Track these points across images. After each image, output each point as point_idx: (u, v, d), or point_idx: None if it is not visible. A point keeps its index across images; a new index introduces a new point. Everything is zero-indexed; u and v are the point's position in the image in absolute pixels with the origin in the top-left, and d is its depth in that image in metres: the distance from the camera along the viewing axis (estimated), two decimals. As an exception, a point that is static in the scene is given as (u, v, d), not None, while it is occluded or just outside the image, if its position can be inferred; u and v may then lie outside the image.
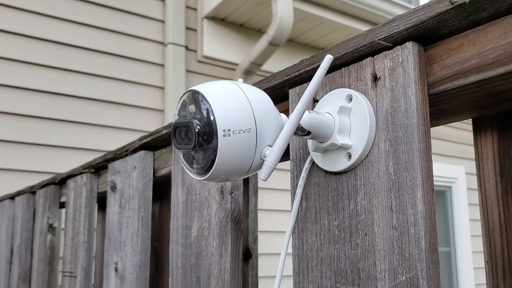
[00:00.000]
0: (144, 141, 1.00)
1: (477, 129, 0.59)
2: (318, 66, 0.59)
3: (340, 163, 0.55)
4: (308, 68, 0.62)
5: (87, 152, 2.56)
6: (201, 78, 3.21)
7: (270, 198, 3.09)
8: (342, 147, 0.54)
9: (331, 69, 0.60)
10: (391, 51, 0.53)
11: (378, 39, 0.53)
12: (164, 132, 0.94)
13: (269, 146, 0.47)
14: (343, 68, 0.58)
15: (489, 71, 0.46)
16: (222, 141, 0.44)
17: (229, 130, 0.44)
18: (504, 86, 0.48)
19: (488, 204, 0.57)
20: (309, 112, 0.54)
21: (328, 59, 0.48)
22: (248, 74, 3.37)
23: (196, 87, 0.47)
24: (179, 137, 0.47)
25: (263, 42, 3.28)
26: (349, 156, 0.54)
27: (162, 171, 1.00)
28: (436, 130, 4.36)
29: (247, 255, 0.96)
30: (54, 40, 2.63)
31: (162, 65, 3.08)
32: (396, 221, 0.49)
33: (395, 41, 0.52)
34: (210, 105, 0.44)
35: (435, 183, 4.44)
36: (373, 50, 0.55)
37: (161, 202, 1.21)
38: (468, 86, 0.48)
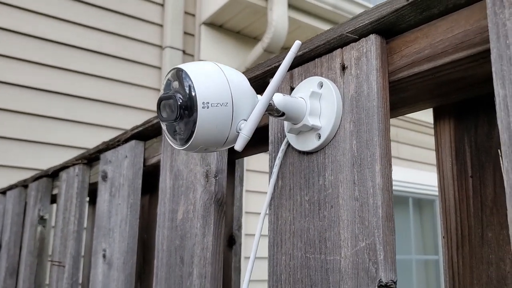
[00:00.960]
0: (136, 131, 1.06)
1: (437, 117, 0.65)
2: (295, 57, 0.66)
3: (311, 143, 0.61)
4: (286, 60, 0.68)
5: (82, 150, 2.61)
6: (196, 82, 3.26)
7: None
8: (313, 128, 0.60)
9: (307, 59, 0.66)
10: (357, 42, 0.59)
11: (346, 32, 0.59)
12: (155, 121, 0.99)
13: (244, 120, 0.53)
14: (316, 59, 0.64)
15: (438, 60, 0.52)
16: (201, 112, 0.49)
17: (207, 102, 0.49)
18: (453, 74, 0.54)
19: (445, 184, 0.63)
20: (284, 95, 0.60)
21: (297, 44, 0.54)
22: (242, 80, 3.44)
23: (180, 65, 0.52)
24: (164, 110, 0.53)
25: (258, 49, 3.36)
26: (319, 137, 0.60)
27: (152, 160, 1.05)
28: (428, 142, 4.44)
29: (231, 241, 1.01)
30: (54, 39, 2.69)
31: (159, 68, 3.15)
32: (358, 193, 0.55)
33: (361, 34, 0.58)
34: (192, 81, 0.50)
35: (425, 191, 4.51)
36: (342, 42, 0.61)
37: (151, 194, 1.27)
38: (422, 73, 0.54)
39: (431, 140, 4.39)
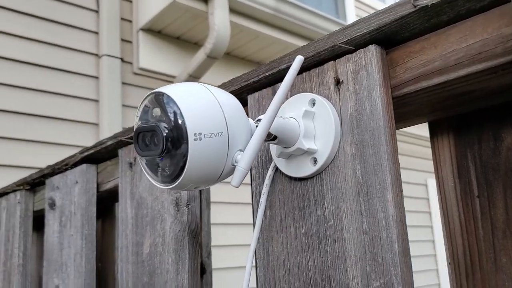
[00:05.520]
0: (86, 153, 0.94)
1: (434, 132, 0.60)
2: (278, 71, 0.58)
3: (305, 169, 0.54)
4: (267, 74, 0.61)
5: (15, 169, 2.41)
6: (137, 91, 3.13)
7: (222, 212, 3.04)
8: (308, 152, 0.53)
9: (291, 74, 0.59)
10: (353, 54, 0.53)
11: (340, 43, 0.53)
12: (109, 143, 0.89)
13: (240, 150, 0.45)
14: (304, 73, 0.57)
15: (452, 73, 0.47)
16: (193, 146, 0.41)
17: (200, 133, 0.41)
18: (464, 88, 0.49)
19: (448, 206, 0.58)
20: (276, 117, 0.52)
21: (298, 60, 0.47)
22: (186, 86, 3.33)
23: (160, 89, 0.44)
24: (143, 143, 0.44)
25: (200, 54, 3.26)
26: (315, 161, 0.53)
27: (107, 185, 0.95)
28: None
29: (201, 271, 0.92)
30: (-23, 51, 2.46)
31: (97, 77, 2.97)
32: (367, 225, 0.48)
33: (358, 44, 0.52)
34: (178, 106, 0.41)
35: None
36: (335, 54, 0.54)
37: (103, 219, 1.15)
38: (431, 88, 0.49)
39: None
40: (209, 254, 0.94)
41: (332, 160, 0.52)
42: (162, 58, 3.41)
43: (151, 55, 3.34)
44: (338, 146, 0.52)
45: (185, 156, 0.41)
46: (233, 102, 0.46)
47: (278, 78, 0.60)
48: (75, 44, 2.89)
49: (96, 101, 2.94)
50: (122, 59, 3.13)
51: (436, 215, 4.90)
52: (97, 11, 3.09)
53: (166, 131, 0.41)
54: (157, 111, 0.43)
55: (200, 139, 0.41)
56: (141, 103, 0.45)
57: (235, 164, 0.44)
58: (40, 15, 2.74)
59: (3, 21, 2.59)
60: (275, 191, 0.58)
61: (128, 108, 3.04)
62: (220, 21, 3.17)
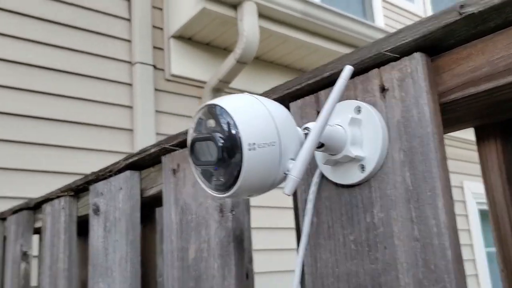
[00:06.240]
0: (130, 160, 0.97)
1: (481, 138, 0.60)
2: (321, 79, 0.59)
3: (353, 176, 0.55)
4: (310, 82, 0.62)
5: (50, 174, 2.48)
6: (170, 97, 3.19)
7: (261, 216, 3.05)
8: (355, 159, 0.54)
9: (335, 82, 0.60)
10: (398, 62, 0.53)
11: (385, 51, 0.54)
12: (152, 150, 0.91)
13: (292, 159, 0.46)
14: (348, 81, 0.58)
15: (501, 78, 0.47)
16: (248, 156, 0.42)
17: (254, 143, 0.42)
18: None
19: (498, 212, 0.58)
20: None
21: (348, 70, 0.47)
22: (217, 91, 3.37)
23: (213, 101, 0.45)
24: (198, 152, 0.46)
25: (230, 60, 3.29)
26: (363, 168, 0.54)
27: (150, 192, 0.97)
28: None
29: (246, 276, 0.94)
30: (19, 61, 2.55)
31: (130, 84, 3.04)
32: (418, 232, 0.49)
33: (402, 52, 0.53)
34: (232, 117, 0.43)
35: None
36: (379, 62, 0.55)
37: (145, 225, 1.18)
38: (479, 94, 0.49)
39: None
40: (250, 260, 0.95)
41: (381, 167, 0.53)
42: (193, 64, 3.46)
43: (182, 62, 3.39)
44: (386, 153, 0.53)
45: (239, 165, 0.42)
46: (283, 111, 0.47)
47: (321, 85, 0.61)
48: (109, 52, 2.97)
49: (130, 107, 3.00)
50: (154, 66, 3.19)
51: (473, 218, 4.79)
52: (129, 20, 3.16)
53: (222, 141, 0.43)
54: (211, 123, 0.45)
55: (254, 149, 0.42)
56: (195, 115, 0.47)
57: (287, 172, 0.46)
58: (75, 24, 2.82)
59: (40, 31, 2.67)
60: (321, 198, 0.59)
61: (161, 114, 3.09)
62: (249, 26, 3.19)
